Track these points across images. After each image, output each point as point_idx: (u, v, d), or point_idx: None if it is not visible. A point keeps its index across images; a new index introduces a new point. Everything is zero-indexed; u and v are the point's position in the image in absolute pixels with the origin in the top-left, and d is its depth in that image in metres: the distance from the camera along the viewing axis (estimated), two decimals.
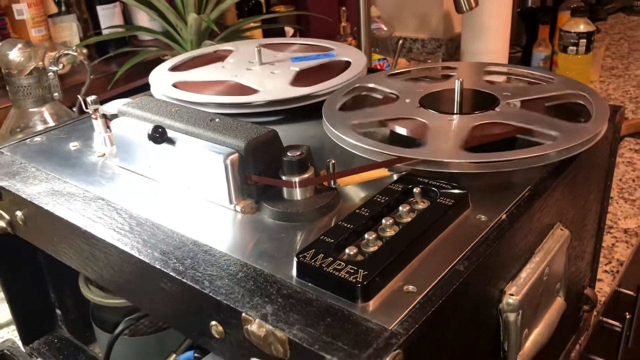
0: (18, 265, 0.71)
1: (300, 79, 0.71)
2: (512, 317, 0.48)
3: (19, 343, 0.75)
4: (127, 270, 0.47)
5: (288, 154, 0.49)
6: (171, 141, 0.53)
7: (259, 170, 0.50)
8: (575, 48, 1.47)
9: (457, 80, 0.60)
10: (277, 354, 0.38)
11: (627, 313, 1.15)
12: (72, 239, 0.52)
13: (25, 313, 0.73)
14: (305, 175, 0.49)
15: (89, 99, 0.69)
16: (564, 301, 0.57)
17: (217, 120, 0.53)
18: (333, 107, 0.63)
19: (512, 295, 0.47)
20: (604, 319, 1.08)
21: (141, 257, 0.45)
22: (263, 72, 0.74)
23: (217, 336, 0.42)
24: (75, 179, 0.58)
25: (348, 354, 0.35)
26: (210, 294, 0.41)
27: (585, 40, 1.47)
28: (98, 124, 0.65)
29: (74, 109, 1.08)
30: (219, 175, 0.50)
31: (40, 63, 1.01)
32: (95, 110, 0.66)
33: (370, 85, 0.68)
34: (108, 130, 0.65)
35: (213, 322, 0.42)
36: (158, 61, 1.36)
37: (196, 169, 0.52)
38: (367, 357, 0.35)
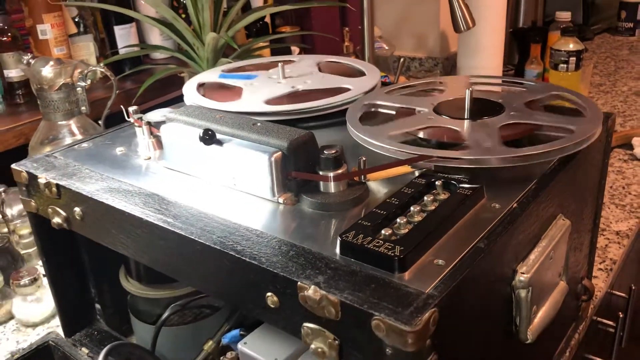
0: (64, 262, 0.77)
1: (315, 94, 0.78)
2: (523, 293, 0.55)
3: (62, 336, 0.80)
4: (187, 255, 0.54)
5: (325, 152, 0.56)
6: (219, 142, 0.60)
7: (299, 167, 0.57)
8: (565, 65, 1.56)
9: (467, 90, 0.67)
10: (329, 315, 0.44)
11: (620, 313, 1.22)
12: (131, 230, 0.58)
13: (68, 307, 0.79)
14: (340, 171, 0.56)
15: (131, 109, 0.76)
16: (567, 284, 0.64)
17: (258, 124, 0.60)
18: (355, 118, 0.69)
19: (523, 273, 0.54)
20: (599, 319, 1.14)
21: (202, 241, 0.52)
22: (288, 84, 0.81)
23: (272, 306, 0.48)
24: (127, 179, 0.64)
25: (393, 312, 0.41)
26: (268, 268, 0.47)
27: (574, 58, 1.56)
28: (143, 130, 0.71)
29: (100, 122, 1.14)
30: (264, 172, 0.56)
31: (69, 79, 1.08)
32: (139, 118, 0.73)
33: (379, 102, 0.74)
34: (152, 136, 0.71)
35: (269, 294, 0.48)
36: (171, 78, 1.44)
37: (242, 166, 0.58)
38: (409, 314, 0.41)
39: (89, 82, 1.11)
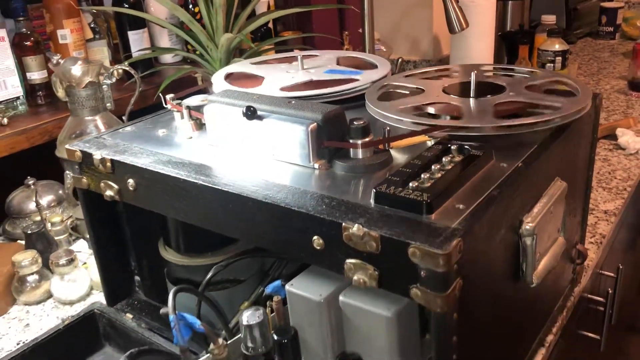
0: (109, 237, 0.85)
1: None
2: (528, 240, 0.63)
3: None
4: (239, 213, 0.62)
5: (354, 122, 0.65)
6: (259, 118, 0.68)
7: (331, 136, 0.65)
8: (552, 65, 1.67)
9: (472, 73, 0.76)
10: (370, 249, 0.53)
11: (609, 289, 1.31)
12: (185, 195, 0.66)
13: (111, 278, 0.87)
14: (367, 139, 0.65)
15: (168, 96, 0.84)
16: (564, 240, 0.73)
17: (293, 102, 0.69)
18: (374, 98, 0.78)
19: (529, 223, 0.63)
20: (589, 296, 1.24)
21: (253, 197, 0.60)
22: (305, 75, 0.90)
23: (318, 248, 0.57)
24: (175, 153, 0.72)
25: (426, 240, 0.50)
26: (315, 215, 0.56)
27: (560, 58, 1.66)
28: (183, 114, 0.79)
29: (124, 118, 1.22)
30: (302, 141, 0.65)
31: (95, 78, 1.16)
32: (178, 104, 0.81)
33: (396, 83, 0.84)
34: (191, 118, 0.79)
35: (315, 237, 0.56)
36: (183, 79, 1.52)
37: (281, 138, 0.67)
38: (440, 242, 0.50)
39: (114, 79, 1.19)
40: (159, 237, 0.87)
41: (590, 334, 1.28)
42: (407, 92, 0.83)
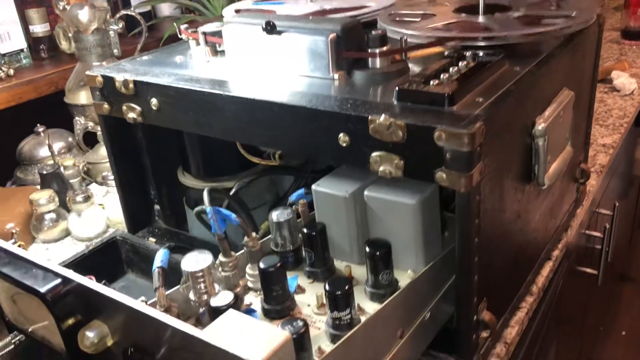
0: (129, 165, 0.87)
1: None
2: (541, 141, 0.66)
3: None
4: (266, 119, 0.64)
5: (372, 32, 0.67)
6: (279, 32, 0.70)
7: (350, 47, 0.68)
8: None
9: None
10: (396, 139, 0.55)
11: (606, 224, 1.35)
12: (210, 108, 0.68)
13: (132, 206, 0.89)
14: (385, 48, 0.67)
15: (183, 26, 0.86)
16: (572, 149, 0.76)
17: (310, 17, 0.71)
18: (388, 21, 0.80)
19: (542, 123, 0.66)
20: (587, 232, 1.28)
21: (279, 101, 0.62)
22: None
23: (343, 145, 0.59)
24: (196, 74, 0.74)
25: (451, 124, 0.53)
26: (341, 112, 0.58)
27: None
28: (200, 40, 0.81)
29: None
30: (322, 52, 0.67)
31: (102, 24, 1.17)
32: (194, 32, 0.83)
33: (404, 12, 0.86)
34: (207, 44, 0.81)
35: (341, 134, 0.59)
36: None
37: (300, 50, 0.69)
38: (464, 124, 0.53)
39: (120, 25, 1.20)
40: (178, 165, 0.90)
41: (588, 269, 1.33)
42: (418, 19, 0.85)
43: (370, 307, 0.59)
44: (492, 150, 0.57)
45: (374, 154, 0.58)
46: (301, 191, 0.70)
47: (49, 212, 1.02)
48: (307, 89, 0.65)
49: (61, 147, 1.23)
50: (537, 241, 0.79)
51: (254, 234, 0.61)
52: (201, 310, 0.55)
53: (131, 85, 0.75)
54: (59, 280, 0.49)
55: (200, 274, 0.54)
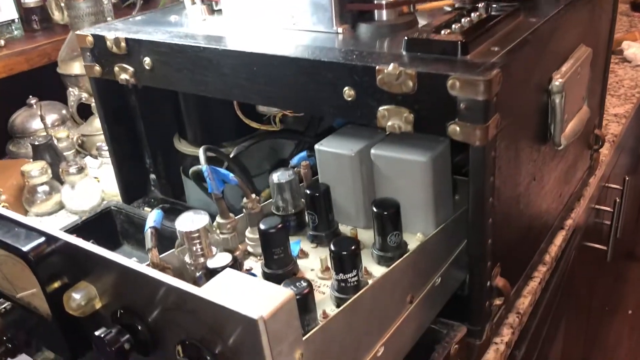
0: (123, 131, 0.83)
1: None
2: (557, 98, 0.63)
3: None
4: (266, 74, 0.60)
5: None
6: None
7: None
8: None
9: None
10: (405, 89, 0.52)
11: (616, 198, 1.32)
12: (207, 64, 0.64)
13: (126, 175, 0.86)
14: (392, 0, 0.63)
15: None
16: (588, 109, 0.72)
17: None
18: None
19: (559, 79, 0.62)
20: (597, 206, 1.24)
21: (279, 54, 0.58)
22: None
23: (348, 99, 0.55)
24: (192, 31, 0.70)
25: (466, 71, 0.49)
26: (346, 62, 0.54)
27: None
28: None
29: None
30: (324, 3, 0.63)
31: None
32: None
33: None
34: (203, 2, 0.77)
35: (346, 88, 0.55)
36: None
37: (301, 3, 0.65)
38: (480, 71, 0.49)
39: None
40: (174, 133, 0.86)
41: (597, 245, 1.30)
42: None
43: (378, 271, 0.55)
44: (508, 103, 0.53)
45: (382, 107, 0.54)
46: (303, 153, 0.66)
47: (42, 184, 0.99)
48: (310, 43, 0.61)
49: (55, 119, 1.19)
50: (551, 207, 0.75)
51: (253, 196, 0.57)
52: (198, 274, 0.52)
53: (123, 44, 0.71)
54: (42, 239, 0.45)
55: (196, 234, 0.50)
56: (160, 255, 0.52)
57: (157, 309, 0.41)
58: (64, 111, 1.20)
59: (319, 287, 0.54)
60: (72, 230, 0.81)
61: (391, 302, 0.51)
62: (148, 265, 0.50)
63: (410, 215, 0.58)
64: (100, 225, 0.84)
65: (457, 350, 0.58)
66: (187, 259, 0.52)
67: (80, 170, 0.97)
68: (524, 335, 0.75)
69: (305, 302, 0.44)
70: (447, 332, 0.58)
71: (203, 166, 0.54)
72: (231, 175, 0.54)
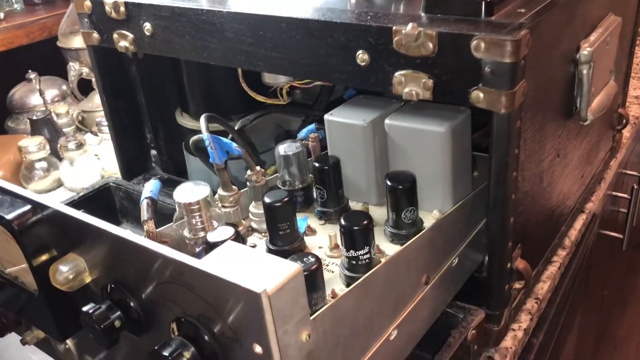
0: (122, 104, 0.79)
1: None
2: (585, 69, 0.58)
3: None
4: (273, 38, 0.56)
5: None
6: None
7: None
8: None
9: None
10: (425, 52, 0.47)
11: (634, 185, 1.27)
12: (212, 29, 0.60)
13: (126, 150, 0.82)
14: None
15: None
16: (614, 83, 0.68)
17: None
18: None
19: (587, 47, 0.58)
20: (613, 193, 1.20)
21: (287, 16, 0.54)
22: None
23: (362, 64, 0.51)
24: None
25: (492, 31, 0.45)
26: (360, 23, 0.50)
27: None
28: None
29: None
30: None
31: None
32: None
33: None
34: None
35: (359, 52, 0.51)
36: None
37: None
38: (507, 32, 0.45)
39: None
40: (176, 106, 0.82)
41: (612, 233, 1.26)
42: None
43: (391, 249, 0.51)
44: (536, 69, 0.49)
45: (398, 73, 0.50)
46: (311, 126, 0.62)
47: (40, 160, 0.95)
48: (320, 4, 0.57)
49: (55, 95, 1.15)
50: (572, 188, 0.71)
51: (258, 168, 0.53)
52: (197, 249, 0.48)
53: (122, 9, 0.67)
54: (28, 207, 0.41)
55: (196, 206, 0.47)
56: (158, 229, 0.48)
57: (151, 284, 0.37)
58: (64, 87, 1.16)
59: (327, 265, 0.50)
60: (68, 206, 0.77)
61: (406, 282, 0.47)
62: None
63: (426, 191, 0.54)
64: (99, 202, 0.80)
65: (474, 336, 0.54)
66: (186, 232, 0.48)
67: (80, 146, 0.94)
68: (541, 322, 0.71)
69: (313, 279, 0.41)
70: (464, 316, 0.54)
71: (204, 134, 0.51)
72: (234, 144, 0.50)
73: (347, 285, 0.47)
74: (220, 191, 0.51)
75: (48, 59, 1.18)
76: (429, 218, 0.55)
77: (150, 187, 0.48)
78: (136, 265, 0.37)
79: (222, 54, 0.61)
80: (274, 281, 0.32)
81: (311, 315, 0.37)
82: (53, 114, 1.05)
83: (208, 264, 0.33)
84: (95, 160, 0.96)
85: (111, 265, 0.39)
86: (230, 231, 0.44)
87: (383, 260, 0.48)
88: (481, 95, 0.46)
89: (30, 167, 0.95)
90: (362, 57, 0.51)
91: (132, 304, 0.38)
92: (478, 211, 0.56)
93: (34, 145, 0.94)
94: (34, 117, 0.99)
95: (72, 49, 1.11)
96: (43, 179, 0.96)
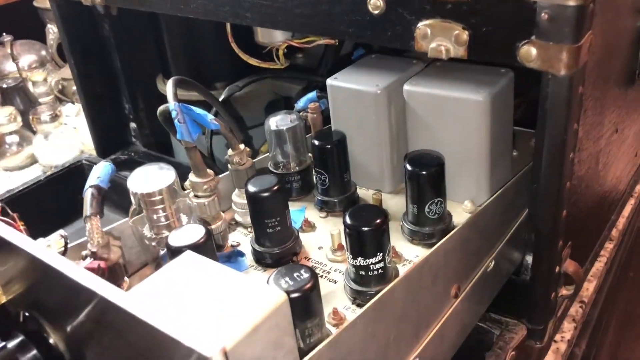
0: (95, 70, 0.68)
1: None
2: None
3: None
4: None
5: None
6: None
7: None
8: None
9: None
10: None
11: None
12: None
13: (101, 124, 0.71)
14: None
15: None
16: None
17: None
18: None
19: None
20: None
21: None
22: None
23: (375, 13, 0.40)
24: None
25: None
26: None
27: None
28: None
29: None
30: None
31: None
32: None
33: None
34: None
35: None
36: None
37: None
38: None
39: None
40: (157, 73, 0.71)
41: None
42: None
43: (411, 253, 0.40)
44: (605, 17, 0.37)
45: (422, 23, 0.38)
46: (312, 94, 0.50)
47: (10, 133, 0.85)
48: None
49: (32, 61, 1.04)
50: (625, 170, 0.60)
51: (241, 146, 0.42)
52: (162, 252, 0.37)
53: None
54: None
55: (158, 197, 0.36)
56: (109, 226, 0.38)
57: (76, 316, 0.26)
58: (43, 52, 1.05)
59: (328, 273, 0.39)
60: (31, 188, 0.67)
61: (431, 296, 0.37)
62: (84, 242, 0.35)
63: (456, 177, 0.43)
64: (69, 182, 0.70)
65: (513, 357, 0.43)
66: (145, 231, 0.37)
67: (54, 117, 0.83)
68: (584, 328, 0.61)
69: (306, 304, 0.30)
70: (501, 332, 0.44)
71: (170, 104, 0.39)
72: (210, 116, 0.39)
73: (354, 302, 0.36)
74: (191, 177, 0.40)
75: (26, 20, 1.07)
76: (458, 211, 0.43)
77: (97, 173, 0.37)
78: (59, 291, 0.27)
79: (201, 4, 0.50)
80: (240, 326, 0.21)
81: (305, 353, 0.27)
82: (28, 82, 0.94)
83: (138, 300, 0.22)
84: (72, 134, 0.86)
85: (31, 287, 0.29)
86: (198, 232, 0.33)
87: (401, 268, 0.37)
88: (534, 51, 0.35)
89: (1, 141, 0.85)
90: (375, 3, 0.40)
91: (51, 341, 0.27)
92: (519, 200, 0.44)
93: (4, 117, 0.84)
94: (4, 85, 0.88)
95: (50, 10, 0.99)
96: (15, 154, 0.86)
